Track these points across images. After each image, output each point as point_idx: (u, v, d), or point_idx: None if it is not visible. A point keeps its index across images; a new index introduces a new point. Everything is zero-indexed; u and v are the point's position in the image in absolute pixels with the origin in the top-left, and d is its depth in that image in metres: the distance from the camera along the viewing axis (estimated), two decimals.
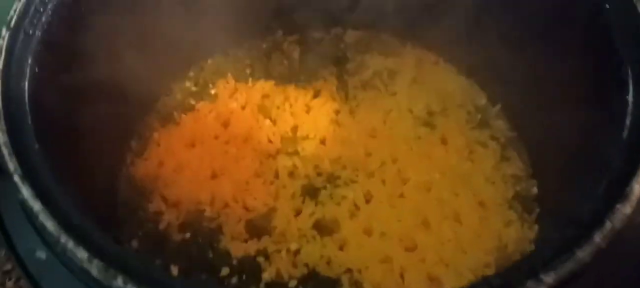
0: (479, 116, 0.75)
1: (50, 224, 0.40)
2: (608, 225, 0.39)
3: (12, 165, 0.44)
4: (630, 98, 0.46)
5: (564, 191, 0.62)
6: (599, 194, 0.42)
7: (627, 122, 0.45)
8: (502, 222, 0.65)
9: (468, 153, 0.71)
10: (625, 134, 0.44)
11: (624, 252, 0.40)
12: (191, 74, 0.82)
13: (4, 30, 0.51)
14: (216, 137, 0.74)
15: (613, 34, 0.51)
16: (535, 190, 0.68)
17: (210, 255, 0.65)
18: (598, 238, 0.38)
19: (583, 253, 0.37)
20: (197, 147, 0.74)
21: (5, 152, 0.44)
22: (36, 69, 0.52)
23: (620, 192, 0.40)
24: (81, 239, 0.39)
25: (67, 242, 0.39)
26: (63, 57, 0.57)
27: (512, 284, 0.36)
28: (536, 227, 0.65)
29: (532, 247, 0.63)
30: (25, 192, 0.42)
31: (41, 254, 0.42)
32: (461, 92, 0.77)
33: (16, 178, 0.42)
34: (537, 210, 0.66)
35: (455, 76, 0.79)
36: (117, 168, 0.73)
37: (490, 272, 0.62)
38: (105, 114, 0.66)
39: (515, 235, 0.64)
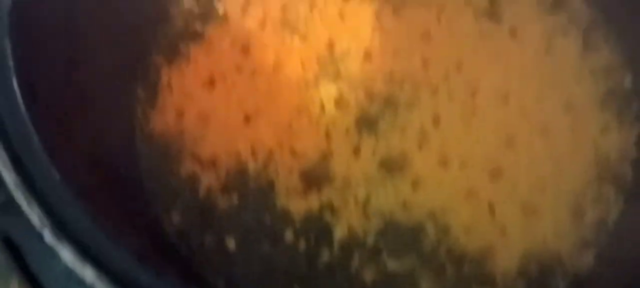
0: None
1: None
2: None
3: (29, 207, 0.32)
4: None
5: None
6: None
7: None
8: (596, 126, 0.56)
9: (545, 46, 0.60)
10: None
11: None
12: None
13: None
14: (239, 70, 0.61)
15: None
16: (629, 82, 0.58)
17: (268, 219, 0.56)
18: None
19: None
20: (219, 85, 0.61)
21: (16, 190, 0.32)
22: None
23: None
24: None
25: None
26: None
27: None
28: (638, 125, 0.56)
29: (636, 152, 0.55)
30: (65, 253, 0.30)
31: None
32: None
33: (48, 237, 0.31)
34: (635, 105, 0.57)
35: None
36: (129, 128, 0.60)
37: (593, 191, 0.54)
38: (99, 65, 0.54)
39: (616, 139, 0.56)
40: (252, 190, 0.57)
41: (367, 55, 0.61)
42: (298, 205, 0.56)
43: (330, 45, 0.62)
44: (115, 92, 0.58)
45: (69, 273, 0.32)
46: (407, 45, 0.61)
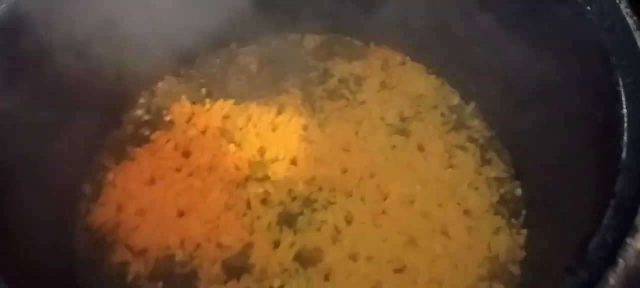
0: (454, 117, 0.72)
1: None
2: (621, 263, 0.36)
3: None
4: (624, 111, 0.43)
5: (551, 193, 0.60)
6: (604, 227, 0.39)
7: (625, 139, 0.42)
8: (490, 229, 0.63)
9: (447, 159, 0.68)
10: (624, 153, 0.42)
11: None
12: (141, 100, 0.75)
13: None
14: (178, 170, 0.68)
15: (600, 34, 0.48)
16: (519, 191, 0.66)
17: None
18: (612, 280, 0.35)
19: None
20: (158, 183, 0.68)
21: None
22: None
23: (629, 224, 0.38)
24: None
25: None
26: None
27: None
28: (525, 231, 0.63)
29: (523, 253, 0.61)
30: None
31: None
32: (433, 93, 0.74)
33: None
34: (524, 212, 0.64)
35: (425, 75, 0.75)
36: (71, 220, 0.66)
37: (483, 285, 0.60)
38: (50, 158, 0.60)
39: (505, 242, 0.62)
40: (176, 277, 0.62)
41: (293, 162, 0.69)
42: None
43: (262, 152, 0.70)
44: (61, 190, 0.65)
45: None
46: (329, 155, 0.69)
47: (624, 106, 0.43)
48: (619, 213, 0.39)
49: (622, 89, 0.44)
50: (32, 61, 0.58)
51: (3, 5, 0.54)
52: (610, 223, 0.39)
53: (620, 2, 0.47)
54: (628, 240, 0.37)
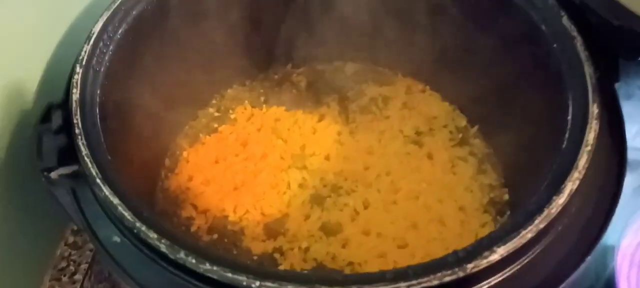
0: (460, 135, 0.88)
1: (127, 214, 0.52)
2: (546, 211, 0.52)
3: (93, 171, 0.57)
4: (569, 117, 0.59)
5: (529, 196, 0.75)
6: (542, 191, 0.55)
7: (566, 135, 0.58)
8: (479, 223, 0.78)
9: (450, 167, 0.84)
10: (564, 145, 0.58)
11: (561, 232, 0.53)
12: (214, 101, 0.95)
13: (77, 67, 0.65)
14: (236, 155, 0.87)
15: (561, 67, 0.65)
16: (506, 196, 0.81)
17: (235, 252, 0.78)
18: (538, 220, 0.51)
19: (526, 231, 0.50)
20: (221, 163, 0.87)
21: (87, 161, 0.57)
22: (103, 98, 0.65)
23: (557, 188, 0.54)
24: (151, 225, 0.52)
25: (141, 227, 0.52)
26: (120, 90, 0.70)
27: (473, 254, 0.49)
28: None
29: None
30: (106, 190, 0.55)
31: (117, 239, 0.54)
32: (445, 116, 0.90)
33: (98, 180, 0.55)
34: (508, 212, 0.79)
35: (440, 102, 0.92)
36: (154, 182, 0.85)
37: None
38: (147, 135, 0.80)
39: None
40: (228, 232, 0.80)
41: (327, 158, 0.86)
42: (258, 247, 0.78)
43: (303, 148, 0.88)
44: (151, 160, 0.85)
45: (99, 213, 0.56)
46: (355, 155, 0.86)
47: (569, 97, 0.60)
48: (552, 186, 0.55)
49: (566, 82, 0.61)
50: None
51: None
52: (545, 189, 0.54)
53: (566, 22, 0.64)
54: (554, 197, 0.52)
